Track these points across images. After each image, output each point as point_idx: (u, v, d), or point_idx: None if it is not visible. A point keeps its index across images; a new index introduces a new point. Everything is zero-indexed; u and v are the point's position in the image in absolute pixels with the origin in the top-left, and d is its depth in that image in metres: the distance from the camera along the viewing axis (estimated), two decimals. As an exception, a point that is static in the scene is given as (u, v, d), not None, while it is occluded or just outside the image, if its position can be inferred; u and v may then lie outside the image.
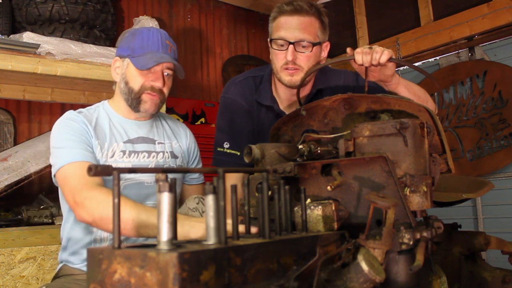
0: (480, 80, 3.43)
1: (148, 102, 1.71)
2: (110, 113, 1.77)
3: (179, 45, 3.96)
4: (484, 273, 1.39)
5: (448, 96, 3.60)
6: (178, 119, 3.70)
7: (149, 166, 1.74)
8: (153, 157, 1.78)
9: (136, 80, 1.70)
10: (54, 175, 1.61)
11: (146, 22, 3.20)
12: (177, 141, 1.90)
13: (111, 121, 1.75)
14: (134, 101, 1.71)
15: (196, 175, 1.95)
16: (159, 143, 1.83)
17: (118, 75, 1.76)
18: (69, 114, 1.69)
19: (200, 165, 2.01)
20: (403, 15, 3.89)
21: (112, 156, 1.68)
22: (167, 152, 1.83)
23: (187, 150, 1.93)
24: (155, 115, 1.85)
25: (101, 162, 1.64)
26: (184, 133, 1.96)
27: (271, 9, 1.77)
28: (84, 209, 1.46)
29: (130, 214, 1.37)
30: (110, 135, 1.71)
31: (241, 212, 1.04)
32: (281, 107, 1.82)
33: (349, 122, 1.25)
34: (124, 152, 1.71)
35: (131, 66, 1.70)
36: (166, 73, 1.72)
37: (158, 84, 1.69)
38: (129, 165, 1.68)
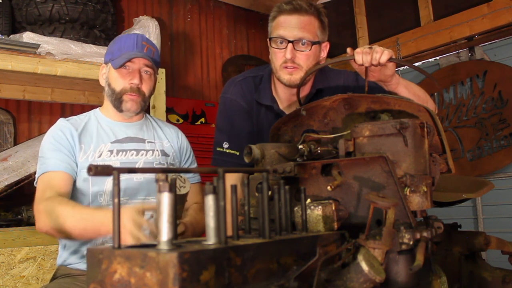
0: (480, 80, 3.43)
1: (129, 102, 1.78)
2: (99, 117, 1.85)
3: (179, 45, 3.96)
4: (484, 273, 1.39)
5: (448, 96, 3.60)
6: (178, 119, 3.71)
7: (138, 163, 1.80)
8: (142, 155, 1.82)
9: (117, 82, 1.78)
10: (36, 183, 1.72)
11: (146, 22, 3.19)
12: (168, 141, 1.94)
13: (99, 124, 1.82)
14: (116, 101, 1.79)
15: (191, 174, 1.97)
16: (149, 142, 1.87)
17: (104, 80, 1.85)
18: (58, 121, 1.78)
19: (194, 165, 2.05)
20: (403, 15, 3.89)
21: (100, 156, 1.75)
22: (157, 150, 1.87)
23: (179, 150, 1.96)
24: (145, 118, 1.93)
25: (86, 164, 1.70)
26: (176, 134, 2.00)
27: (271, 9, 1.77)
28: (38, 222, 1.58)
29: (71, 220, 1.48)
30: (97, 137, 1.78)
31: (241, 212, 1.04)
32: (281, 107, 1.81)
33: (349, 122, 1.25)
34: (111, 151, 1.77)
35: (111, 68, 1.79)
36: (145, 71, 1.80)
37: (135, 81, 1.76)
38: (117, 163, 1.75)
